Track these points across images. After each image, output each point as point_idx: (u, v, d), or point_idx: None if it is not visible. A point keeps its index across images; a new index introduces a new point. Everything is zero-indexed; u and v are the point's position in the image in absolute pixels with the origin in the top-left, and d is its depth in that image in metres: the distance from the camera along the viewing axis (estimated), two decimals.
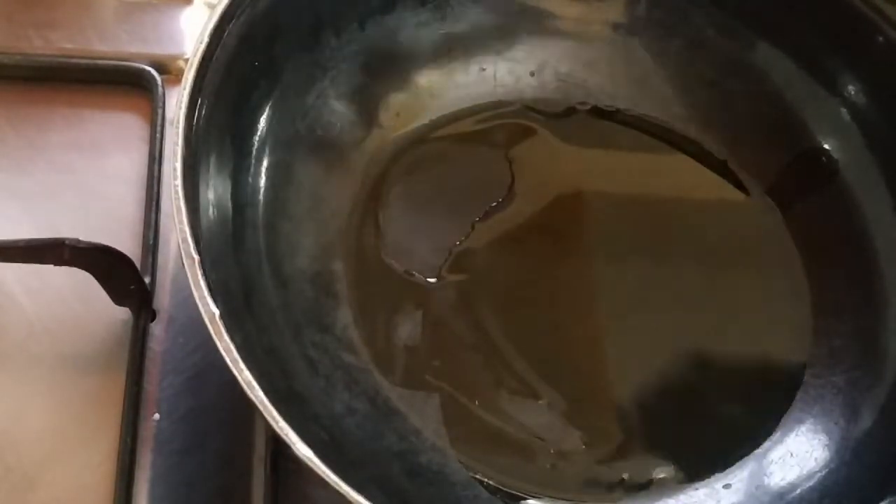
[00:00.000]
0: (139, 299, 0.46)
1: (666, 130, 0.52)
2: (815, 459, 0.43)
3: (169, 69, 0.54)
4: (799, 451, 0.44)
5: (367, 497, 0.33)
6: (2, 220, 0.48)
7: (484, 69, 0.53)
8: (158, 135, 0.51)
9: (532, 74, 0.53)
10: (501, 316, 0.46)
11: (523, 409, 0.44)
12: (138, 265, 0.46)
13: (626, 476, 0.42)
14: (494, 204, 0.49)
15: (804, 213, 0.50)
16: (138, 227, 0.48)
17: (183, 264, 0.36)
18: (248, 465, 0.43)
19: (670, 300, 0.47)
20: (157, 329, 0.46)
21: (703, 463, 0.43)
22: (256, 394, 0.34)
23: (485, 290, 0.47)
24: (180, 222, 0.37)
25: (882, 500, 0.40)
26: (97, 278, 0.44)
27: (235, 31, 0.43)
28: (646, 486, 0.42)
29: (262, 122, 0.46)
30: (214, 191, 0.41)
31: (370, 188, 0.49)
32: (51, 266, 0.43)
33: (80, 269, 0.43)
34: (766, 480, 0.43)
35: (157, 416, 0.44)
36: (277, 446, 0.42)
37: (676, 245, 0.49)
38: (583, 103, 0.53)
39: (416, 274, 0.47)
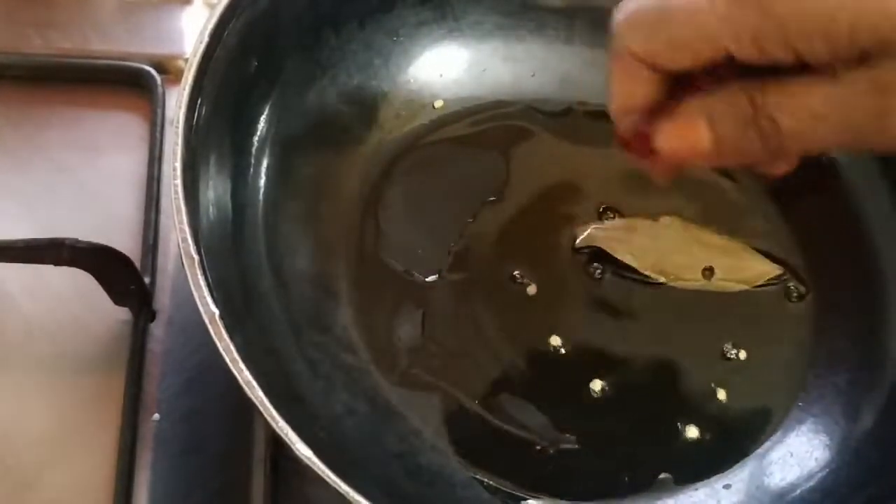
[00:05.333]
0: (139, 299, 0.45)
1: None
2: (816, 459, 0.43)
3: (168, 69, 0.54)
4: (799, 452, 0.43)
5: (366, 497, 0.33)
6: (1, 219, 0.48)
7: (484, 69, 0.53)
8: (158, 134, 0.51)
9: (532, 74, 0.53)
10: (501, 315, 0.46)
11: (523, 409, 0.44)
12: (138, 265, 0.46)
13: (626, 476, 0.42)
14: (493, 203, 0.49)
15: (804, 213, 0.50)
16: (138, 227, 0.48)
17: (183, 264, 0.36)
18: (248, 465, 0.43)
19: (670, 299, 0.47)
20: (156, 329, 0.46)
21: (704, 463, 0.43)
22: (256, 394, 0.34)
23: (485, 290, 0.46)
24: (180, 222, 0.37)
25: (884, 500, 0.40)
26: (97, 278, 0.44)
27: (235, 31, 0.43)
28: (646, 486, 0.42)
29: (262, 121, 0.46)
30: (214, 190, 0.41)
31: (370, 188, 0.49)
32: (50, 266, 0.43)
33: (79, 270, 0.43)
34: (767, 481, 0.43)
35: (156, 416, 0.44)
36: (277, 447, 0.42)
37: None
38: (582, 103, 0.53)
39: (416, 274, 0.47)
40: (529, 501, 0.42)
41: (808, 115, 0.32)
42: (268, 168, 0.46)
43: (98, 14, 0.56)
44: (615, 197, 0.50)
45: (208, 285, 0.36)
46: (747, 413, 0.44)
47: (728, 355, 0.46)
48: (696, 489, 0.42)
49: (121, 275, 0.44)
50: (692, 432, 0.44)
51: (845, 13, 0.30)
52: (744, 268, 0.48)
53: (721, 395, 0.44)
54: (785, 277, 0.48)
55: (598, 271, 0.47)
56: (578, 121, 0.52)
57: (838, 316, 0.47)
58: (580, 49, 0.53)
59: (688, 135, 0.34)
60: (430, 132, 0.51)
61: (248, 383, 0.34)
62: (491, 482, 0.42)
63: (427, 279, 0.47)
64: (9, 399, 0.44)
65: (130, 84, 0.53)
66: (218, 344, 0.35)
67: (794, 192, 0.51)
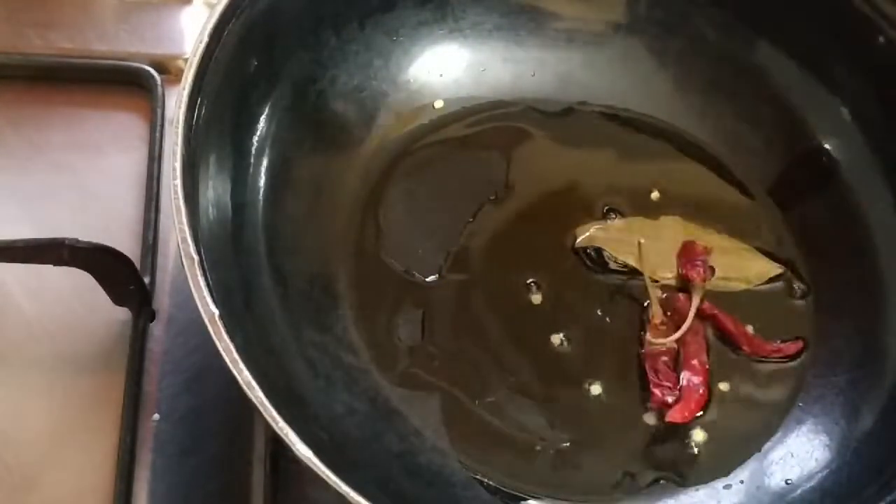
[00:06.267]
0: (139, 299, 0.46)
1: (666, 130, 0.52)
2: (816, 459, 0.43)
3: (168, 69, 0.54)
4: (800, 452, 0.43)
5: (366, 497, 0.33)
6: (1, 220, 0.48)
7: (484, 69, 0.53)
8: (158, 134, 0.51)
9: (532, 74, 0.53)
10: (501, 315, 0.46)
11: (523, 409, 0.44)
12: (138, 265, 0.46)
13: (626, 476, 0.42)
14: (493, 204, 0.49)
15: (804, 213, 0.50)
16: (138, 227, 0.48)
17: (182, 264, 0.36)
18: (248, 465, 0.43)
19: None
20: (156, 329, 0.46)
21: (704, 463, 0.43)
22: (256, 394, 0.34)
23: (485, 290, 0.47)
24: (180, 222, 0.37)
25: (883, 499, 0.40)
26: (97, 278, 0.44)
27: (235, 31, 0.43)
28: (646, 486, 0.42)
29: (262, 121, 0.46)
30: (214, 190, 0.41)
31: (370, 188, 0.49)
32: (50, 266, 0.43)
33: (79, 270, 0.43)
34: (767, 481, 0.43)
35: (156, 416, 0.44)
36: (277, 447, 0.42)
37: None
38: (582, 103, 0.53)
39: (416, 274, 0.47)
40: (529, 501, 0.42)
41: None
42: (268, 168, 0.46)
43: (98, 14, 0.56)
44: (616, 197, 0.50)
45: (208, 285, 0.36)
46: (747, 413, 0.44)
47: (728, 355, 0.46)
48: (697, 489, 0.42)
49: (120, 275, 0.44)
50: (692, 433, 0.44)
51: None
52: (744, 267, 0.48)
53: (720, 395, 0.44)
54: (785, 277, 0.48)
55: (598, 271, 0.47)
56: (578, 121, 0.52)
57: (838, 316, 0.47)
58: (580, 49, 0.53)
59: None
60: (430, 132, 0.51)
61: (247, 383, 0.34)
62: (491, 482, 0.42)
63: (427, 279, 0.47)
64: (9, 399, 0.44)
65: (130, 84, 0.53)
66: (218, 344, 0.35)
67: (794, 192, 0.51)
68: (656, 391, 0.43)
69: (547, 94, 0.53)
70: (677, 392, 0.44)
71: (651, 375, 0.44)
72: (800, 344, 0.46)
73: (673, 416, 0.43)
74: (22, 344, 0.45)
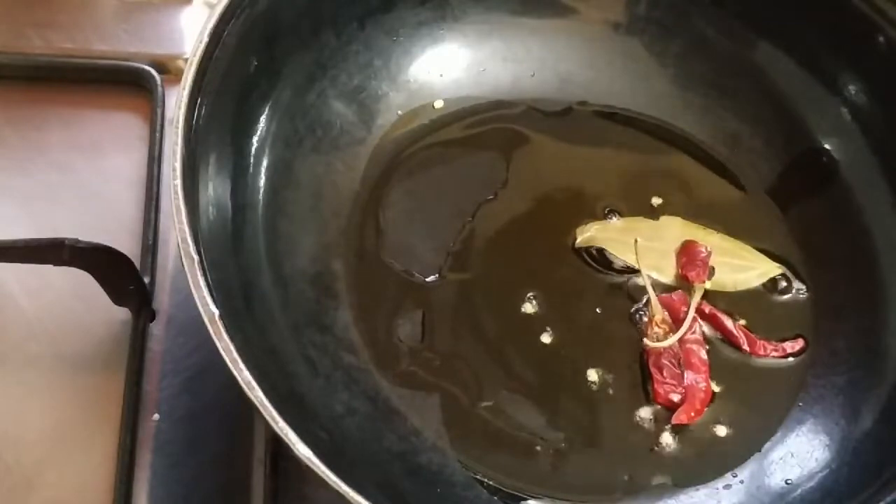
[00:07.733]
0: (139, 299, 0.46)
1: (666, 130, 0.52)
2: (816, 459, 0.43)
3: (168, 69, 0.54)
4: (800, 452, 0.43)
5: (366, 497, 0.33)
6: (1, 220, 0.48)
7: (484, 69, 0.53)
8: (158, 134, 0.51)
9: (532, 74, 0.53)
10: (501, 315, 0.46)
11: (523, 409, 0.44)
12: (138, 265, 0.46)
13: (626, 476, 0.42)
14: (493, 204, 0.49)
15: (804, 213, 0.50)
16: (138, 227, 0.48)
17: (182, 264, 0.36)
18: (248, 465, 0.43)
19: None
20: (156, 329, 0.46)
21: (704, 463, 0.43)
22: (256, 394, 0.34)
23: (484, 290, 0.47)
24: (180, 222, 0.37)
25: (883, 499, 0.40)
26: (97, 278, 0.44)
27: (235, 31, 0.43)
28: (646, 486, 0.42)
29: (262, 121, 0.46)
30: (214, 190, 0.41)
31: (370, 188, 0.49)
32: (50, 266, 0.43)
33: (79, 270, 0.43)
34: (767, 481, 0.43)
35: (156, 416, 0.44)
36: (277, 447, 0.42)
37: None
38: (582, 103, 0.53)
39: (416, 274, 0.47)
40: (529, 501, 0.42)
41: None
42: (268, 168, 0.46)
43: (98, 14, 0.56)
44: (615, 197, 0.50)
45: (208, 285, 0.36)
46: (747, 413, 0.44)
47: (728, 355, 0.46)
48: (697, 489, 0.42)
49: (121, 275, 0.44)
50: (692, 432, 0.44)
51: None
52: (744, 267, 0.48)
53: (720, 395, 0.44)
54: (785, 277, 0.48)
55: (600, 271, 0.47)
56: (578, 121, 0.52)
57: (838, 316, 0.47)
58: (580, 49, 0.53)
59: None
60: (430, 132, 0.51)
61: (247, 383, 0.34)
62: (491, 482, 0.42)
63: (427, 279, 0.47)
64: (9, 399, 0.44)
65: (130, 84, 0.53)
66: (218, 344, 0.35)
67: (794, 192, 0.51)
68: (660, 389, 0.44)
69: (547, 94, 0.53)
70: (682, 390, 0.44)
71: (655, 373, 0.44)
72: (800, 343, 0.46)
73: (679, 417, 0.43)
74: (22, 344, 0.45)
